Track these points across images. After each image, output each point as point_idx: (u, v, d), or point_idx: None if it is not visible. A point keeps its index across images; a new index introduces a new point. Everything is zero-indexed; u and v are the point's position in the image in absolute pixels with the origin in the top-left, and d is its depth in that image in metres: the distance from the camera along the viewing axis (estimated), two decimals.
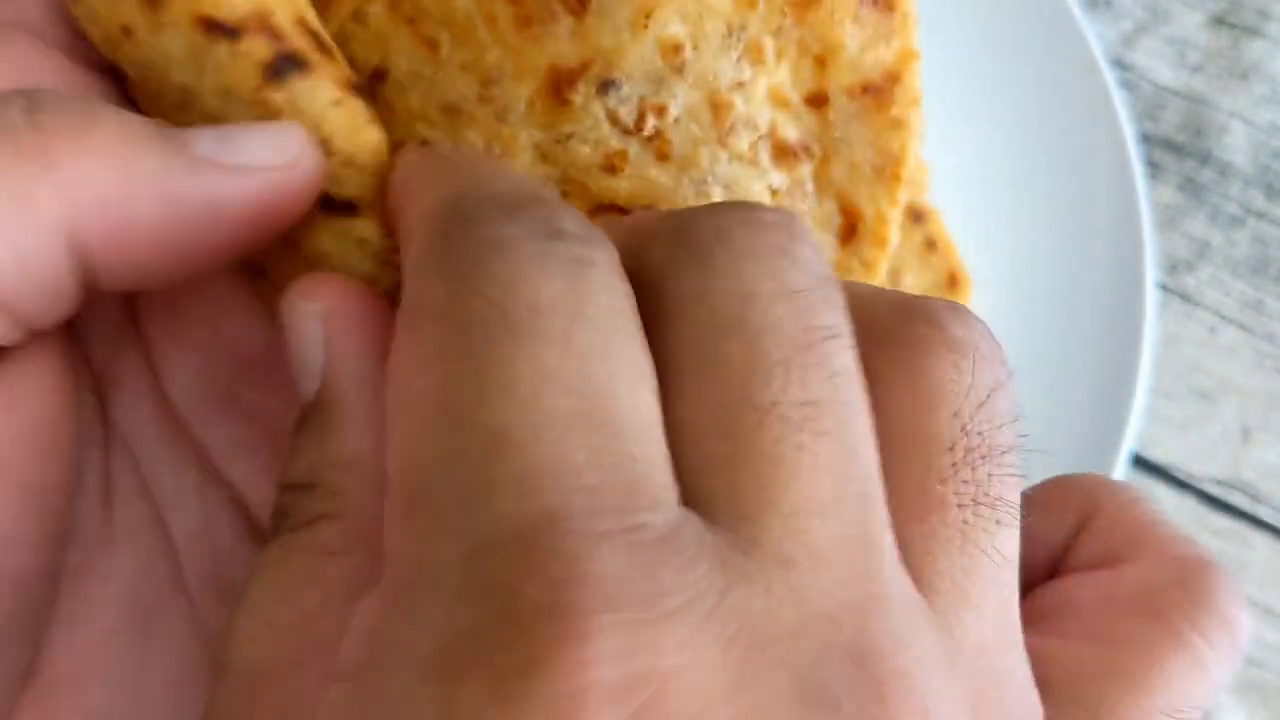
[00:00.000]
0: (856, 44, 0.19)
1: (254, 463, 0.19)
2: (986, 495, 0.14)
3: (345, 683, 0.12)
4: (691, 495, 0.13)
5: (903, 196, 0.19)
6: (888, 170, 0.19)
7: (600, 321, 0.13)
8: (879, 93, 0.19)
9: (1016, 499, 0.14)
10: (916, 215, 0.42)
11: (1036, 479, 0.40)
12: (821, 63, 0.18)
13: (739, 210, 0.15)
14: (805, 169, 0.19)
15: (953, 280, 0.41)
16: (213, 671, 0.18)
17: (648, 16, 0.18)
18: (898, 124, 0.19)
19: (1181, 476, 0.44)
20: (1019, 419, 0.15)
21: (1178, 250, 0.47)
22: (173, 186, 0.15)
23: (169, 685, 0.17)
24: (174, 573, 0.18)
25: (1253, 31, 0.49)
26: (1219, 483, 0.45)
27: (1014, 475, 0.14)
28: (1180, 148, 0.48)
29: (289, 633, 0.14)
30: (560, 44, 0.18)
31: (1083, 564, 0.17)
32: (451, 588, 0.12)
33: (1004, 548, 0.14)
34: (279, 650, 0.14)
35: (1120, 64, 0.49)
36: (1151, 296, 0.40)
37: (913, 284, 0.41)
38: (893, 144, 0.19)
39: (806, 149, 0.19)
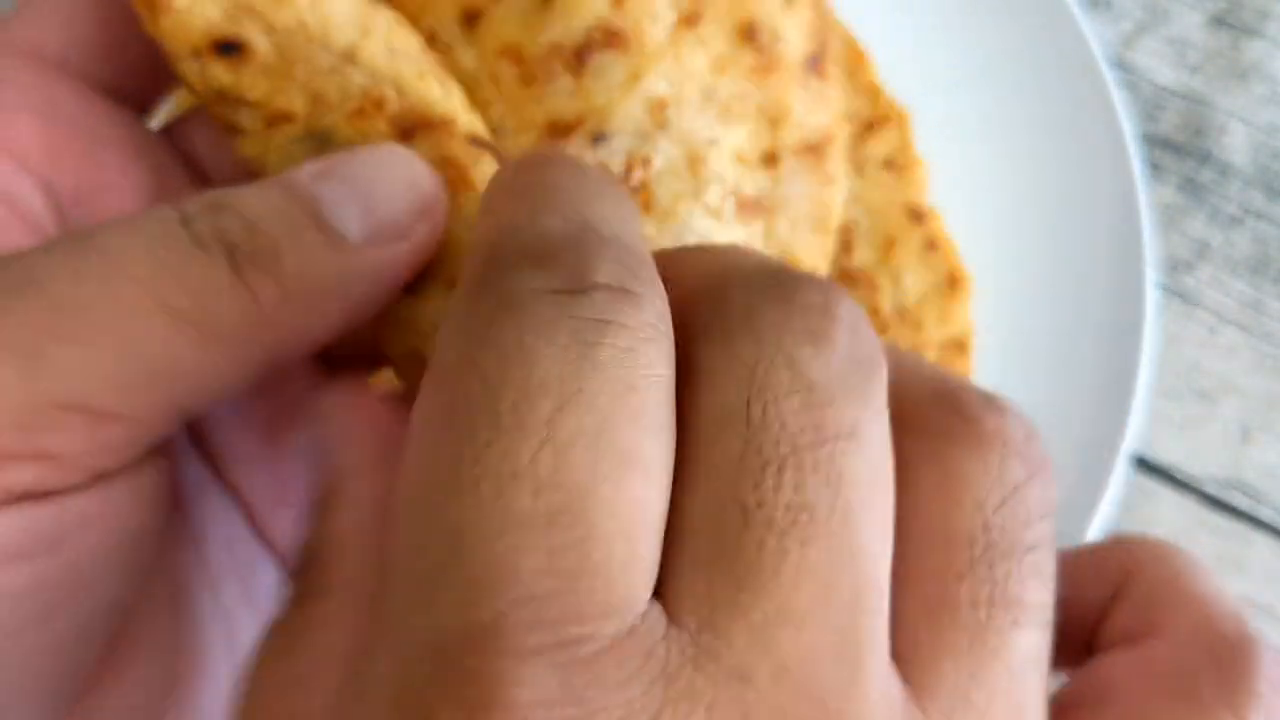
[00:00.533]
0: (803, 107, 0.21)
1: (283, 510, 0.20)
2: (1004, 595, 0.13)
3: None
4: (671, 591, 0.12)
5: (830, 247, 0.21)
6: (823, 223, 0.21)
7: (598, 402, 0.12)
8: (817, 151, 0.21)
9: (1041, 599, 0.14)
10: (916, 215, 0.42)
11: None
12: (775, 124, 0.21)
13: (776, 287, 0.14)
14: (758, 225, 0.21)
15: (953, 280, 0.41)
16: (233, 663, 0.19)
17: (637, 77, 0.19)
18: (830, 179, 0.21)
19: (1181, 476, 0.44)
20: (1050, 516, 0.14)
21: (1178, 250, 0.47)
22: (351, 297, 0.17)
23: (214, 700, 0.19)
24: (202, 561, 0.19)
25: (1252, 32, 0.49)
26: (1219, 483, 0.45)
27: (1038, 575, 0.14)
28: (1180, 148, 0.48)
29: (275, 699, 0.14)
30: (559, 100, 0.19)
31: (1118, 635, 0.16)
32: (382, 699, 0.12)
33: (1023, 649, 0.13)
34: (265, 715, 0.14)
35: (1120, 64, 0.49)
36: (1151, 296, 0.40)
37: (913, 284, 0.41)
38: (826, 197, 0.21)
39: (759, 205, 0.21)
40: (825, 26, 0.20)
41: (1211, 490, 0.44)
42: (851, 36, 0.43)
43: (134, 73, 0.19)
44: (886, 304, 0.41)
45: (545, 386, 0.12)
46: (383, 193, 0.17)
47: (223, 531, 0.20)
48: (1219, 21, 0.49)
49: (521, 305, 0.13)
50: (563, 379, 0.12)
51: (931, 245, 0.42)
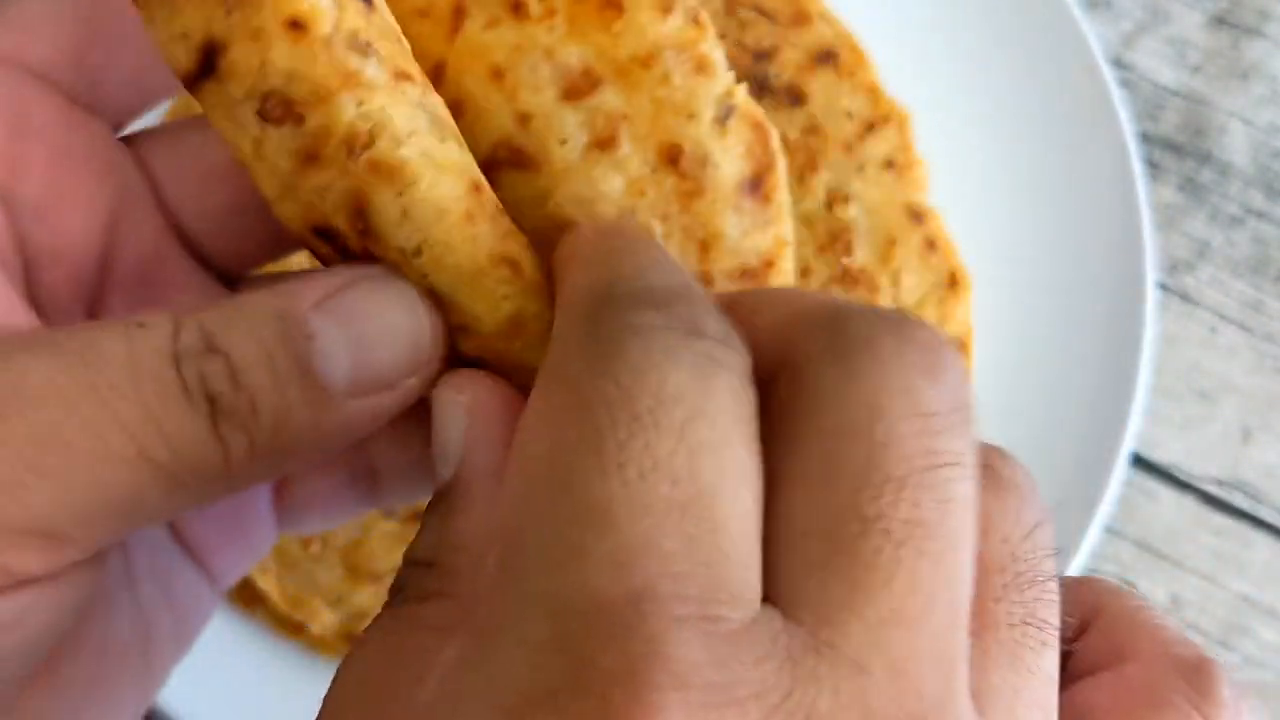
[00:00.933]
0: (737, 231, 0.20)
1: (202, 519, 0.21)
2: (1033, 616, 0.15)
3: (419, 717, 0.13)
4: (780, 591, 0.14)
5: None
6: None
7: (718, 421, 0.14)
8: (755, 276, 0.20)
9: (1058, 623, 0.15)
10: (916, 215, 0.42)
11: (1037, 476, 0.40)
12: (705, 248, 0.20)
13: (893, 321, 0.15)
14: None
15: (953, 280, 0.42)
16: (145, 654, 0.20)
17: (545, 197, 0.19)
18: None
19: (1181, 476, 0.44)
20: (1054, 555, 0.16)
21: (1178, 250, 0.47)
22: (323, 446, 0.17)
23: (131, 699, 0.19)
24: (125, 566, 0.20)
25: (1253, 31, 0.49)
26: (1219, 483, 0.45)
27: (1055, 601, 0.15)
28: (1180, 148, 0.48)
29: (389, 697, 0.14)
30: None
31: (1089, 664, 0.17)
32: (533, 643, 0.13)
33: (1047, 667, 0.15)
34: (377, 712, 0.14)
35: (1120, 64, 0.49)
36: (1151, 296, 0.40)
37: (913, 284, 0.41)
38: None
39: None
40: (768, 148, 0.20)
41: (1211, 490, 0.44)
42: (851, 37, 0.43)
43: (114, 88, 0.19)
44: (886, 304, 0.41)
45: (677, 398, 0.14)
46: (379, 342, 0.17)
47: (146, 534, 0.20)
48: (1219, 21, 0.50)
49: (647, 333, 0.14)
50: (691, 395, 0.14)
51: (931, 245, 0.42)
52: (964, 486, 0.14)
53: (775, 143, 0.20)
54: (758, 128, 0.19)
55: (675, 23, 0.19)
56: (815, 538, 0.14)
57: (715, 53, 0.19)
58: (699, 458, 0.13)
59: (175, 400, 0.15)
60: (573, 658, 0.12)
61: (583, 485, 0.13)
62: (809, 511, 0.14)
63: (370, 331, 0.16)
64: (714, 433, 0.14)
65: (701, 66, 0.19)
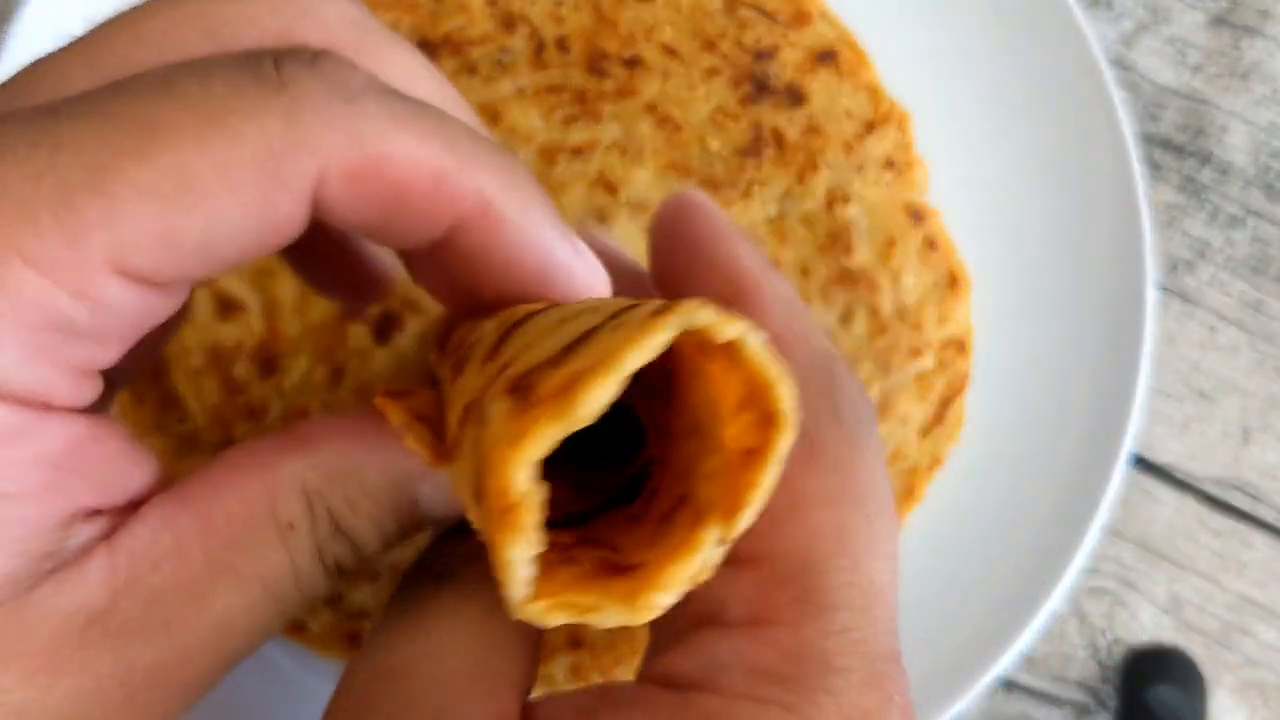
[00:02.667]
0: None
1: None
2: None
3: None
4: None
5: None
6: None
7: None
8: None
9: None
10: (916, 215, 0.42)
11: (1038, 476, 0.40)
12: None
13: None
14: None
15: (953, 280, 0.41)
16: None
17: None
18: None
19: (1181, 476, 0.44)
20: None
21: (1178, 250, 0.47)
22: None
23: None
24: None
25: (1253, 31, 0.49)
26: (1219, 483, 0.45)
27: None
28: (1180, 148, 0.48)
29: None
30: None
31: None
32: (857, 680, 0.17)
33: None
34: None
35: (1120, 64, 0.49)
36: (1151, 296, 0.40)
37: (913, 284, 0.41)
38: None
39: None
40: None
41: (1211, 490, 0.44)
42: (852, 36, 0.43)
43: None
44: (886, 304, 0.41)
45: (886, 491, 0.19)
46: None
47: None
48: (1220, 21, 0.50)
49: (871, 436, 0.19)
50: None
51: (931, 245, 0.42)
52: None
53: None
54: None
55: None
56: None
57: None
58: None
59: (319, 581, 0.20)
60: (885, 694, 0.17)
61: (868, 562, 0.18)
62: None
63: None
64: None
65: None
